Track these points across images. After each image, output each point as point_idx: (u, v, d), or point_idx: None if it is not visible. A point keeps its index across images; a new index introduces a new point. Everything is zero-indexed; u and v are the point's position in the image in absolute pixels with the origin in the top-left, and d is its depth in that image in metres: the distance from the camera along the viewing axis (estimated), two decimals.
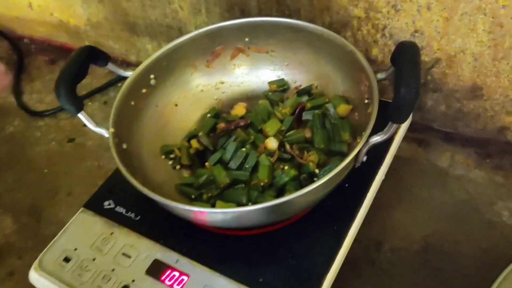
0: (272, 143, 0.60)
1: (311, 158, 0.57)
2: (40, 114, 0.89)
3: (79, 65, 0.57)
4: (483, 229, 0.62)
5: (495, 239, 0.60)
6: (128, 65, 0.94)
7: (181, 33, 0.83)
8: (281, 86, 0.68)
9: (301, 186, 0.55)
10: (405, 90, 0.46)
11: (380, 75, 0.56)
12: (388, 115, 0.48)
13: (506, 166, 0.67)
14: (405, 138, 0.68)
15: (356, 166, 0.53)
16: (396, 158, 0.63)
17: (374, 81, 0.55)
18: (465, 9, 0.57)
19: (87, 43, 0.97)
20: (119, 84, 0.92)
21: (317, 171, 0.57)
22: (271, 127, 0.62)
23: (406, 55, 0.49)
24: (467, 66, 0.63)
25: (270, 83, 0.69)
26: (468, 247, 0.60)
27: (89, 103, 0.90)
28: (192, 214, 0.51)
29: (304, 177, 0.56)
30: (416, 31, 0.63)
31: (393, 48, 0.65)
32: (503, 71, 0.61)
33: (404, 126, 0.64)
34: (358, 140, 0.52)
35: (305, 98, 0.65)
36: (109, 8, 0.86)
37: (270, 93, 0.68)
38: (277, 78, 0.70)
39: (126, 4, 0.83)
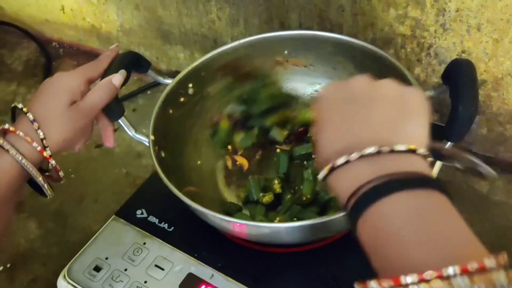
0: None
1: None
2: None
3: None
4: None
5: None
6: (158, 72, 0.93)
7: (216, 43, 0.82)
8: None
9: None
10: (463, 107, 0.45)
11: (429, 93, 0.55)
12: (444, 133, 0.47)
13: None
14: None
15: None
16: None
17: None
18: None
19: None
20: (149, 92, 0.91)
21: None
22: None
23: (463, 72, 0.48)
24: None
25: None
26: None
27: None
28: (231, 226, 0.50)
29: None
30: (463, 52, 0.61)
31: (437, 68, 0.65)
32: None
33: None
34: None
35: None
36: (144, 15, 0.86)
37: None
38: (314, 93, 0.69)
39: (163, 12, 0.83)
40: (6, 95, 0.96)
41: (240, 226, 0.48)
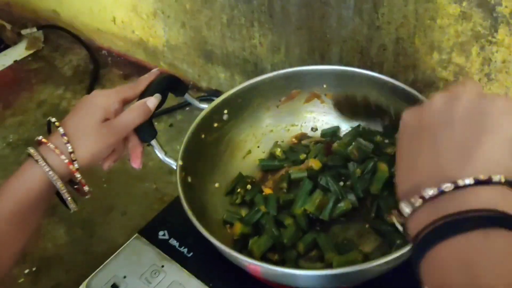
0: None
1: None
2: None
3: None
4: None
5: None
6: (198, 90, 0.95)
7: (256, 68, 0.82)
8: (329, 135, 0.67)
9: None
10: None
11: None
12: None
13: None
14: None
15: None
16: None
17: None
18: None
19: (162, 64, 0.99)
20: (187, 108, 0.92)
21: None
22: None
23: None
24: None
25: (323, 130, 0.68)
26: None
27: (155, 123, 0.91)
28: (246, 266, 0.49)
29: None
30: None
31: None
32: None
33: None
34: None
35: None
36: (189, 34, 0.87)
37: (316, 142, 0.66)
38: (349, 129, 0.68)
39: (207, 32, 0.84)
40: (53, 99, 1.00)
41: (255, 267, 0.48)
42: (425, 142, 0.32)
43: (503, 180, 0.29)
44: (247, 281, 0.55)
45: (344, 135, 0.66)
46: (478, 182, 0.29)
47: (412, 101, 0.59)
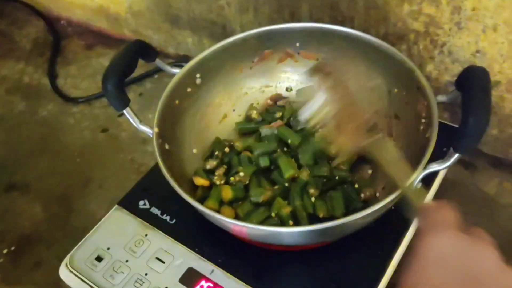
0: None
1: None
2: (74, 100, 0.88)
3: (128, 59, 0.56)
4: None
5: None
6: (166, 56, 0.92)
7: (224, 30, 0.80)
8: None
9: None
10: (474, 119, 0.44)
11: (441, 98, 0.53)
12: (452, 143, 0.46)
13: None
14: None
15: None
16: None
17: (434, 104, 0.52)
18: None
19: (125, 31, 0.95)
20: (156, 76, 0.90)
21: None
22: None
23: (476, 81, 0.46)
24: None
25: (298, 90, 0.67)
26: None
27: None
28: (231, 227, 0.49)
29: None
30: (477, 51, 0.60)
31: (450, 66, 0.63)
32: None
33: None
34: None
35: None
36: None
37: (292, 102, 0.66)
38: None
39: None
40: (14, 74, 0.96)
41: (240, 228, 0.48)
42: None
43: None
44: (232, 243, 0.56)
45: None
46: None
47: (384, 55, 0.59)
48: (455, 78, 0.51)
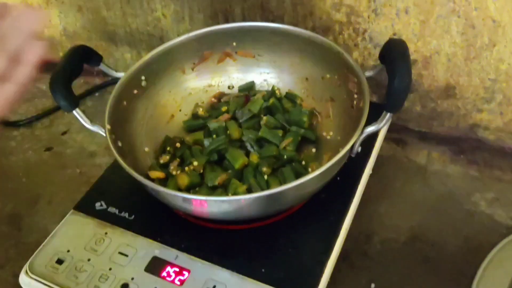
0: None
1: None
2: (14, 124, 0.87)
3: (73, 63, 0.57)
4: (464, 218, 0.65)
5: (475, 227, 0.64)
6: (105, 75, 0.93)
7: (162, 41, 0.83)
8: (246, 90, 0.71)
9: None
10: (399, 80, 0.50)
11: (368, 73, 0.59)
12: (384, 105, 0.52)
13: (479, 161, 0.72)
14: (384, 139, 0.71)
15: (352, 156, 0.55)
16: (377, 157, 0.66)
17: (363, 77, 0.58)
18: (440, 12, 0.62)
19: (61, 54, 0.96)
20: (97, 94, 0.91)
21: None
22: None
23: (397, 50, 0.52)
24: (442, 67, 0.68)
25: (240, 87, 0.72)
26: (452, 236, 0.63)
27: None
28: (193, 204, 0.51)
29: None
30: (394, 34, 0.67)
31: (372, 51, 0.70)
32: (474, 70, 0.66)
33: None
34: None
35: (271, 101, 0.67)
36: (87, 17, 0.86)
37: (235, 97, 0.70)
38: (263, 82, 0.72)
39: (106, 13, 0.84)
40: None
41: (201, 203, 0.50)
42: None
43: None
44: (192, 228, 0.58)
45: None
46: None
47: (314, 45, 0.65)
48: (378, 62, 0.57)
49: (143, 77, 0.65)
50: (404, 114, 0.75)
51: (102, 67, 0.63)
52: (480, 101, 0.69)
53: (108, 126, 0.57)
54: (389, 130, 0.73)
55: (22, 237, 0.69)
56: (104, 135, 0.57)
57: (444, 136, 0.75)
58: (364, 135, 0.53)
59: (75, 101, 0.56)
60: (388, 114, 0.52)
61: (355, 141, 0.53)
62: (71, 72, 0.57)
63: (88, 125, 0.57)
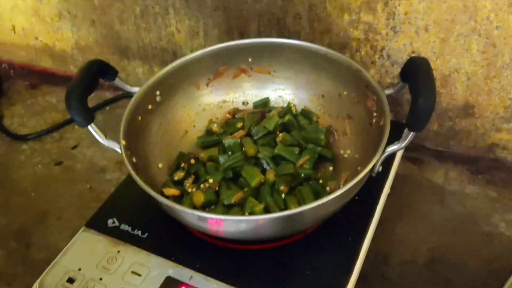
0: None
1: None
2: (23, 138, 0.86)
3: (89, 77, 0.56)
4: (484, 240, 0.64)
5: (496, 249, 0.62)
6: (115, 89, 0.93)
7: (175, 56, 0.83)
8: (261, 106, 0.70)
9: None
10: (424, 99, 0.48)
11: (388, 91, 0.58)
12: (406, 124, 0.50)
13: (497, 181, 0.71)
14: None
15: (373, 175, 0.54)
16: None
17: (383, 95, 0.57)
18: (460, 31, 0.62)
19: (72, 67, 0.96)
20: (107, 108, 0.90)
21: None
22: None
23: (421, 68, 0.51)
24: (461, 85, 0.67)
25: (255, 103, 0.71)
26: (472, 258, 0.62)
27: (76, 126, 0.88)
28: (209, 223, 0.50)
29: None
30: (413, 52, 0.66)
31: (390, 68, 0.69)
32: (494, 89, 0.65)
33: None
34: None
35: (287, 118, 0.66)
36: (100, 31, 0.86)
37: (250, 114, 0.69)
38: (278, 98, 0.71)
39: (120, 27, 0.83)
40: None
41: (218, 222, 0.49)
42: None
43: None
44: (207, 247, 0.56)
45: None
46: None
47: (330, 62, 0.64)
48: (395, 80, 0.56)
49: (158, 92, 0.64)
50: (421, 133, 0.74)
51: (117, 82, 0.62)
52: (499, 120, 0.68)
53: (123, 142, 0.56)
54: (406, 149, 0.72)
55: (31, 254, 0.68)
56: (119, 151, 0.56)
57: (461, 156, 0.74)
58: (385, 154, 0.52)
59: (90, 116, 0.55)
60: (411, 133, 0.51)
61: (376, 160, 0.51)
62: (87, 86, 0.56)
63: (103, 140, 0.56)
